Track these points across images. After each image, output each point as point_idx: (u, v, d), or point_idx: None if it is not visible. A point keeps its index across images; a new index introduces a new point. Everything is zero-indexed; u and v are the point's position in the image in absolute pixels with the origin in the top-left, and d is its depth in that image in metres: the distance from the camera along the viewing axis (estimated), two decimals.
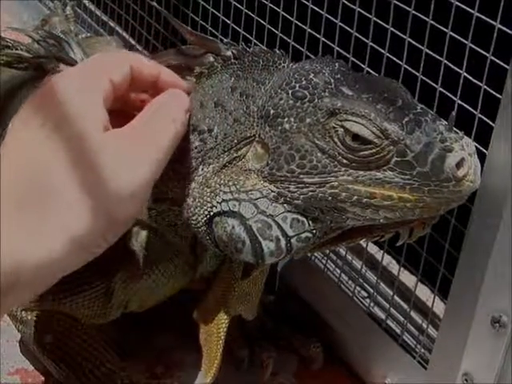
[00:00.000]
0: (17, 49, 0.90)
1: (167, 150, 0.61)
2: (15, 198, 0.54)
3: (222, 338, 0.78)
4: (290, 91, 0.65)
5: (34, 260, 0.53)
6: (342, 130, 0.63)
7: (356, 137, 0.62)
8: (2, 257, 0.52)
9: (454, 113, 0.66)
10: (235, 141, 0.67)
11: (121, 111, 0.63)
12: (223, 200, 0.67)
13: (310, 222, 0.65)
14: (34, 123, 0.58)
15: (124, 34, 1.22)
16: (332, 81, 0.65)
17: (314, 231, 0.66)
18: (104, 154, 0.57)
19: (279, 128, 0.65)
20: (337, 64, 0.68)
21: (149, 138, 0.60)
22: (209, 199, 0.68)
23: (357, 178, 0.63)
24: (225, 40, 0.74)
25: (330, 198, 0.64)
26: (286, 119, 0.65)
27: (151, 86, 0.65)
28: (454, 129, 0.63)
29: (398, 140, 0.62)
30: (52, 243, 0.54)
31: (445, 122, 0.63)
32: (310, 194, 0.64)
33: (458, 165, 0.61)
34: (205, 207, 0.68)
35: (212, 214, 0.67)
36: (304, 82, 0.65)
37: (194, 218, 0.69)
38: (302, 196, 0.64)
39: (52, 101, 0.58)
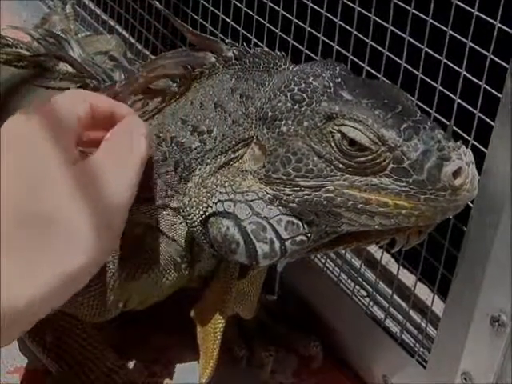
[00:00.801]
0: (16, 47, 0.90)
1: (136, 173, 0.63)
2: (14, 214, 0.55)
3: (219, 337, 0.78)
4: (289, 94, 0.65)
5: (27, 298, 0.53)
6: (339, 134, 0.63)
7: (353, 142, 0.62)
8: (2, 300, 0.52)
9: (452, 122, 0.66)
10: (233, 142, 0.68)
11: None
12: (219, 200, 0.67)
13: (305, 226, 0.65)
14: None
15: (124, 32, 1.22)
16: (331, 85, 0.65)
17: (309, 235, 0.66)
18: (79, 183, 0.59)
19: (277, 130, 0.65)
20: (338, 68, 0.67)
21: (117, 164, 0.62)
22: (205, 199, 0.68)
23: (353, 183, 0.63)
24: (226, 40, 0.74)
25: (325, 202, 0.63)
26: (283, 122, 0.65)
27: (108, 121, 0.67)
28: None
29: (395, 147, 0.62)
30: (47, 281, 0.55)
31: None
32: (306, 197, 0.64)
33: (455, 174, 0.61)
34: (200, 207, 0.68)
35: (207, 214, 0.68)
36: (303, 85, 0.65)
37: (189, 217, 0.69)
38: (297, 199, 0.64)
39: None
